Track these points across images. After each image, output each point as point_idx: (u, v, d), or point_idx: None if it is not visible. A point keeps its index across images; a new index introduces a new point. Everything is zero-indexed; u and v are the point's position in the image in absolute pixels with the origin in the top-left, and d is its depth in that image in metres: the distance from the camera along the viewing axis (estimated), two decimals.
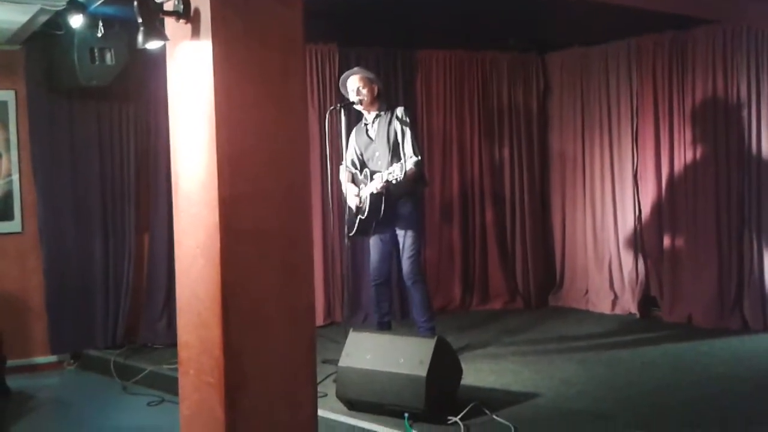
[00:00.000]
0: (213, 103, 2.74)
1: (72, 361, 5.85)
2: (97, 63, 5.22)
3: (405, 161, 4.89)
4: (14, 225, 5.75)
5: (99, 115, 5.84)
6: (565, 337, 5.92)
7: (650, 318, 6.47)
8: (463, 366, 4.30)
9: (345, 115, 5.04)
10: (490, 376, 4.77)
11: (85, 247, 5.82)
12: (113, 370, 5.44)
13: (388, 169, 4.91)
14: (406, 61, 6.84)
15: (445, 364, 4.07)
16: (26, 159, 5.73)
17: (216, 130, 2.75)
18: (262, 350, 2.87)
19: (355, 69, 5.25)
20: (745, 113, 5.86)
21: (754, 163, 5.82)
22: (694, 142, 6.17)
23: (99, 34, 5.01)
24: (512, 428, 3.80)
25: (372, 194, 5.00)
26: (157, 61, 3.28)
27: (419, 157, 5.03)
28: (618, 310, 6.67)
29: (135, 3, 2.86)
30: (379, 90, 5.22)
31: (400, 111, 5.13)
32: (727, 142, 5.96)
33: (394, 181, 4.83)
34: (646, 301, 6.55)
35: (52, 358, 5.80)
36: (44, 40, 5.40)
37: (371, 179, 5.02)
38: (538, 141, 7.29)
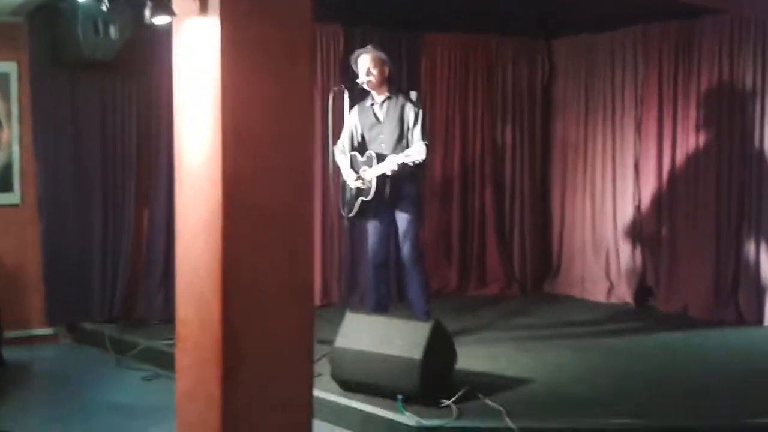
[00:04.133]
0: (219, 79, 2.73)
1: (67, 333, 5.86)
2: (101, 36, 5.19)
3: (419, 145, 4.89)
4: (13, 197, 5.74)
5: (102, 89, 5.82)
6: (560, 323, 5.95)
7: (645, 307, 6.49)
8: (459, 350, 4.32)
9: (349, 96, 5.01)
10: (484, 361, 4.79)
11: (84, 219, 5.82)
12: (108, 344, 5.46)
13: (402, 152, 4.90)
14: (411, 44, 6.81)
15: (440, 348, 4.09)
16: (27, 131, 5.71)
17: (221, 107, 2.74)
18: (260, 328, 2.87)
19: (368, 47, 5.20)
20: (749, 106, 5.85)
21: (756, 157, 5.82)
22: (696, 133, 6.17)
23: (104, 7, 4.98)
24: (504, 412, 3.82)
25: (378, 176, 4.99)
26: (162, 36, 3.26)
27: (428, 142, 5.03)
28: (613, 299, 6.70)
29: None
30: (390, 72, 5.18)
31: (414, 95, 5.13)
32: (730, 135, 5.96)
33: (410, 164, 4.83)
34: (642, 291, 6.57)
35: (48, 331, 5.81)
36: (48, 11, 5.37)
37: (377, 161, 5.01)
38: (540, 127, 7.29)
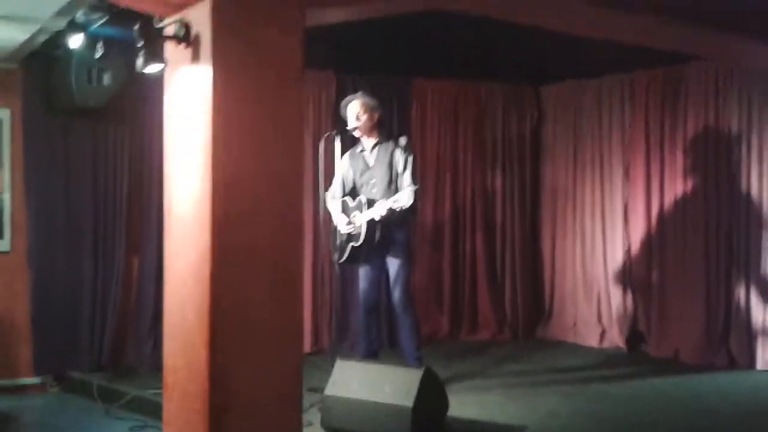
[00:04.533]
0: (210, 126, 2.76)
1: (55, 383, 5.77)
2: (94, 83, 5.23)
3: (408, 190, 4.92)
4: (3, 244, 5.71)
5: (94, 136, 5.83)
6: (552, 369, 5.91)
7: (637, 352, 6.47)
8: (450, 397, 4.29)
9: (340, 142, 5.05)
10: (476, 408, 4.75)
11: (74, 267, 5.78)
12: (96, 394, 5.38)
13: (392, 197, 4.93)
14: (402, 90, 6.89)
15: (431, 395, 4.05)
16: (19, 178, 5.70)
17: (212, 152, 2.77)
18: (248, 375, 2.85)
19: (358, 94, 5.26)
20: (735, 150, 5.92)
21: (743, 200, 5.87)
22: (684, 178, 6.22)
23: (98, 55, 5.03)
24: None
25: (369, 221, 5.01)
26: (154, 83, 3.30)
27: (417, 186, 5.05)
28: (606, 344, 6.67)
29: (136, 26, 2.89)
30: (379, 118, 5.23)
31: (403, 141, 5.16)
32: (717, 179, 6.02)
33: (398, 209, 4.85)
34: (634, 336, 6.55)
35: (36, 380, 5.73)
36: (42, 58, 5.41)
37: (367, 206, 5.03)
38: (530, 172, 7.35)
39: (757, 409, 4.83)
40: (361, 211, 5.08)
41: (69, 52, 5.11)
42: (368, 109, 5.16)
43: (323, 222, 5.04)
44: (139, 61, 2.94)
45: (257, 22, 2.86)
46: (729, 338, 5.91)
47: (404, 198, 4.84)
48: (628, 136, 6.63)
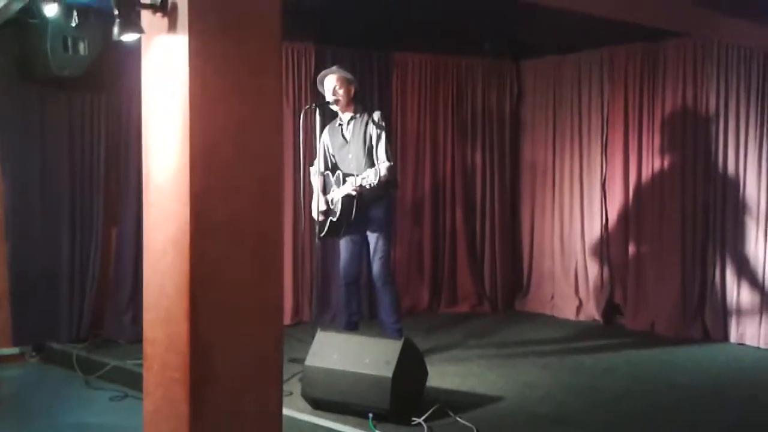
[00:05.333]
0: (187, 96, 2.73)
1: (34, 353, 5.77)
2: (70, 53, 5.17)
3: (378, 167, 4.91)
4: None
5: (70, 106, 5.77)
6: (530, 341, 5.98)
7: (614, 325, 6.56)
8: (429, 368, 4.33)
9: (320, 114, 5.03)
10: (455, 379, 4.81)
11: (51, 238, 5.74)
12: (76, 364, 5.38)
13: (362, 173, 4.92)
14: (382, 63, 6.86)
15: (411, 366, 4.09)
16: None
17: (190, 123, 2.74)
18: (229, 346, 2.86)
19: (334, 68, 5.23)
20: (713, 126, 5.97)
21: (720, 176, 5.93)
22: (662, 153, 6.27)
23: (73, 24, 4.96)
24: (475, 430, 3.83)
25: (343, 197, 5.01)
26: (131, 52, 3.26)
27: (392, 163, 5.05)
28: (582, 317, 6.76)
29: None
30: (355, 91, 5.22)
31: (376, 115, 5.14)
32: (694, 154, 6.07)
33: (367, 186, 4.85)
34: (610, 309, 6.64)
35: (15, 350, 5.71)
36: (17, 28, 5.32)
37: (344, 182, 5.03)
38: (510, 147, 7.37)
39: (731, 381, 4.92)
40: (338, 187, 5.08)
41: (44, 21, 5.03)
42: (345, 83, 5.14)
43: (304, 195, 5.03)
44: (116, 29, 2.89)
45: None
46: (704, 312, 6.00)
47: (372, 175, 4.81)
48: (606, 111, 6.66)
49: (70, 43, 5.14)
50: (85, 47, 5.20)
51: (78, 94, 5.76)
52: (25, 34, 5.35)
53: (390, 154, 5.08)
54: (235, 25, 2.83)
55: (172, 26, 2.80)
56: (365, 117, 5.16)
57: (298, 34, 6.19)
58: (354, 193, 4.95)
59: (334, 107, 5.18)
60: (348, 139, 5.20)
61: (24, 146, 5.64)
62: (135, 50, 3.06)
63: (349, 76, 5.18)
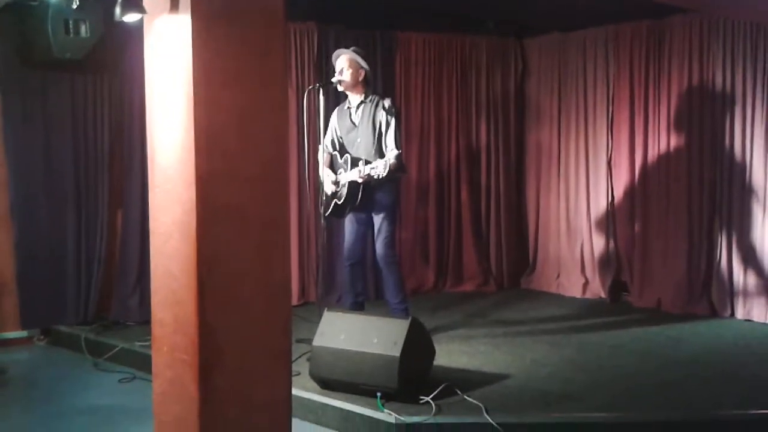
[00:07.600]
0: (191, 78, 2.72)
1: (42, 336, 5.80)
2: (71, 35, 5.14)
3: (388, 156, 4.89)
4: None
5: (73, 89, 5.75)
6: (536, 319, 5.98)
7: (620, 302, 6.56)
8: (436, 347, 4.34)
9: (324, 95, 5.00)
10: (462, 357, 4.82)
11: (57, 221, 5.75)
12: (84, 347, 5.40)
13: (372, 162, 4.90)
14: (386, 43, 6.81)
15: (418, 345, 4.10)
16: None
17: (194, 106, 2.72)
18: (237, 328, 2.86)
19: (351, 48, 5.16)
20: (719, 103, 5.92)
21: (726, 153, 5.90)
22: (668, 131, 6.24)
23: (74, 6, 4.93)
24: (483, 408, 3.84)
25: (350, 182, 4.99)
26: (133, 34, 3.24)
27: (400, 150, 5.02)
28: (588, 294, 6.76)
29: None
30: (366, 75, 5.16)
31: (387, 102, 5.10)
32: (700, 132, 6.03)
33: (376, 177, 4.83)
34: (617, 286, 6.63)
35: (23, 333, 5.74)
36: (18, 10, 5.29)
37: (351, 166, 5.01)
38: (515, 126, 7.33)
39: (738, 358, 4.92)
40: (346, 170, 5.06)
41: (45, 4, 5.00)
42: (354, 65, 5.10)
43: (309, 175, 5.02)
44: (117, 10, 2.88)
45: None
46: (710, 288, 6.00)
47: (381, 167, 4.78)
48: (612, 89, 6.61)
49: (71, 26, 5.12)
50: (86, 29, 5.17)
51: (80, 76, 5.74)
52: (26, 17, 5.32)
53: (399, 142, 5.05)
54: (238, 5, 2.81)
55: (175, 6, 2.77)
56: (375, 102, 5.12)
57: (301, 13, 6.15)
58: (360, 181, 4.93)
59: (340, 87, 5.14)
60: (356, 123, 5.17)
61: (27, 130, 5.63)
62: (137, 31, 3.03)
63: (359, 59, 5.10)
